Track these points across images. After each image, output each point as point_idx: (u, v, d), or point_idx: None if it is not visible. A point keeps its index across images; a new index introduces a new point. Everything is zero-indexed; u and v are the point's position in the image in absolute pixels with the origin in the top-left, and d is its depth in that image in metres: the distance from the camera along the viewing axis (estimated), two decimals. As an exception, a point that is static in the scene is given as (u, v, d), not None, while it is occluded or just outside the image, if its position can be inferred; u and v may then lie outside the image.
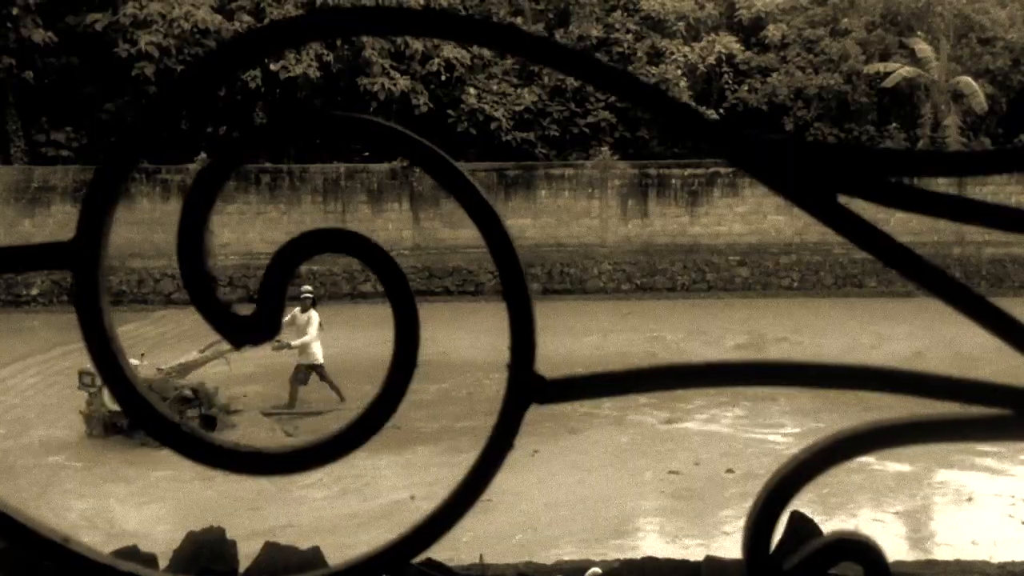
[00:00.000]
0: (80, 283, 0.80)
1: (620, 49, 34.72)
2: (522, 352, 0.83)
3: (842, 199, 0.85)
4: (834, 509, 11.41)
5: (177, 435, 0.81)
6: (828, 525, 10.05)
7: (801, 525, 6.05)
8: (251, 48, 0.83)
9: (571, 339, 22.41)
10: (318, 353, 16.36)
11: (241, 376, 16.48)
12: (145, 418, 0.81)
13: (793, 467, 0.88)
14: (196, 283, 0.80)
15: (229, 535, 5.66)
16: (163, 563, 6.15)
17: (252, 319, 0.81)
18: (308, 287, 17.38)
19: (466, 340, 20.50)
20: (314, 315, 16.49)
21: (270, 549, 6.02)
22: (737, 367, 0.86)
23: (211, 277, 0.81)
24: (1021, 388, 0.82)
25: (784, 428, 14.75)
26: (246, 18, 30.86)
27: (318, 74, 30.62)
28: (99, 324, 0.80)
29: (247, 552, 5.68)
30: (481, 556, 7.19)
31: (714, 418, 15.50)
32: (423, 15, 0.82)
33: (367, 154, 30.95)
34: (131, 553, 5.75)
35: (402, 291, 0.82)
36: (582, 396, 0.85)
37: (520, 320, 0.82)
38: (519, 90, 33.24)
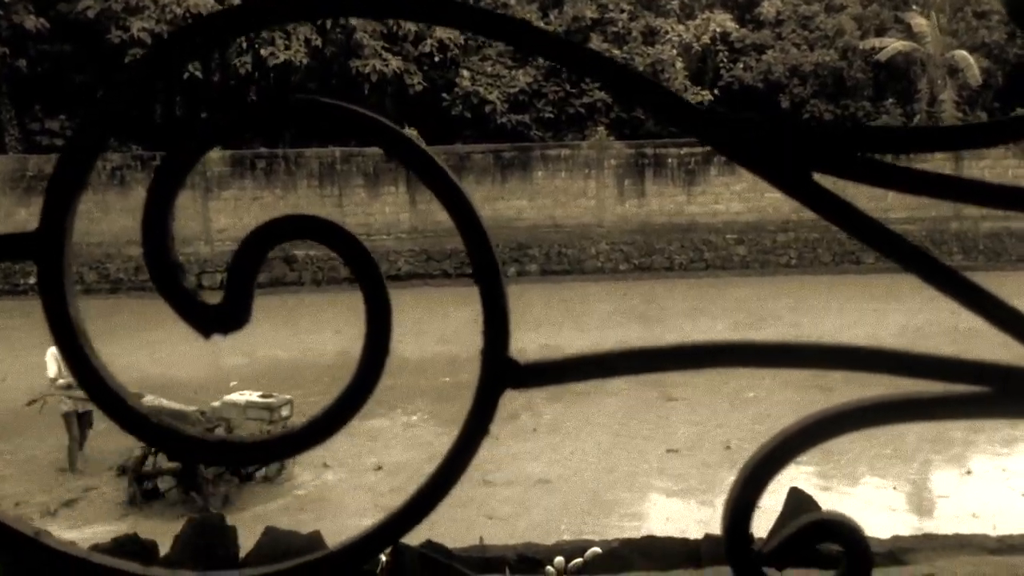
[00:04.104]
0: (45, 273, 0.79)
1: (615, 29, 34.60)
2: (495, 337, 0.82)
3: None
4: (834, 483, 11.44)
5: (146, 426, 0.80)
6: (826, 497, 10.08)
7: (799, 503, 6.06)
8: (223, 26, 0.81)
9: (570, 321, 22.44)
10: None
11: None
12: (114, 409, 0.80)
13: (772, 448, 0.88)
14: (161, 272, 0.79)
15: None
16: (164, 550, 6.16)
17: (219, 308, 0.80)
18: None
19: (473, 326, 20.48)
20: None
21: (270, 533, 6.03)
22: (713, 348, 0.85)
23: (177, 265, 0.80)
24: (1001, 366, 0.81)
25: (777, 399, 14.70)
26: (238, 1, 30.74)
27: (306, 60, 30.50)
28: (65, 314, 0.79)
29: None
30: (481, 538, 7.21)
31: (706, 393, 15.48)
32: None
33: (362, 138, 30.85)
34: (131, 540, 5.77)
35: (373, 277, 0.81)
36: (556, 380, 0.84)
37: (493, 305, 0.81)
38: (513, 72, 33.13)
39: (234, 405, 12.30)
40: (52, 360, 12.61)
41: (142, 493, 11.58)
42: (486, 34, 0.84)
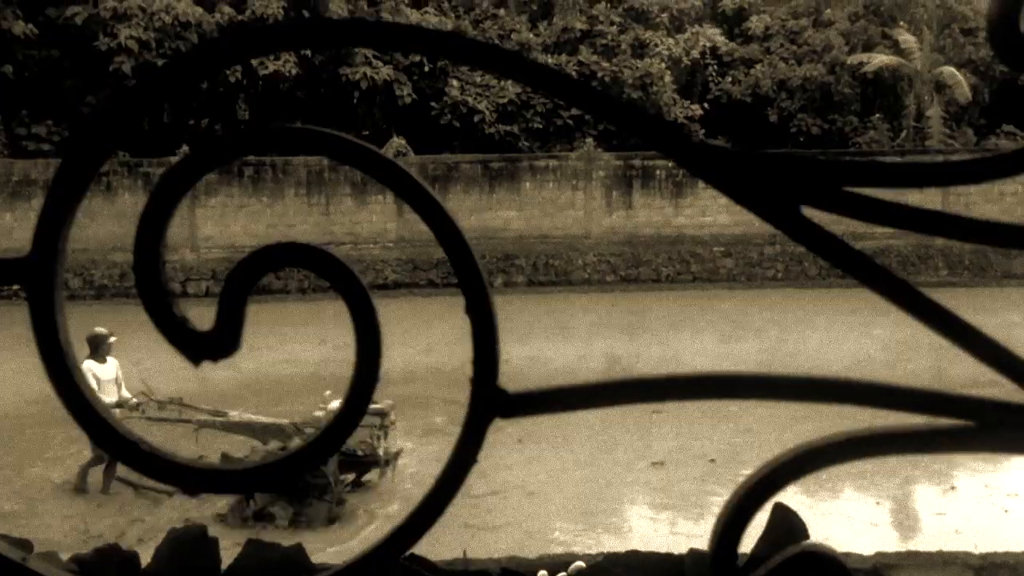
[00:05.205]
0: (36, 300, 0.79)
1: (604, 42, 34.70)
2: (485, 366, 0.82)
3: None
4: (817, 499, 11.44)
5: (135, 452, 0.80)
6: (810, 511, 10.09)
7: (783, 519, 6.09)
8: (225, 53, 0.82)
9: (556, 332, 22.43)
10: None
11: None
12: (104, 436, 0.80)
13: (760, 478, 0.88)
14: (153, 299, 0.79)
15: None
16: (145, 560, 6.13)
17: (209, 336, 0.80)
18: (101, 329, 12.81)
19: (460, 335, 20.42)
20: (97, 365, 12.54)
21: (252, 546, 5.99)
22: (701, 380, 0.86)
23: (168, 292, 0.80)
24: (985, 401, 0.82)
25: (760, 413, 14.68)
26: (227, 10, 30.68)
27: (295, 69, 30.47)
28: (55, 340, 0.79)
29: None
30: (464, 551, 7.21)
31: (689, 406, 15.46)
32: (380, 28, 0.81)
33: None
34: (111, 551, 5.71)
35: (364, 306, 0.81)
36: (546, 410, 0.84)
37: (483, 336, 0.81)
38: (503, 82, 33.17)
39: None
40: (89, 376, 11.93)
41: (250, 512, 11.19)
42: (458, 60, 0.85)
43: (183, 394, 14.48)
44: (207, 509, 11.36)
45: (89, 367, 12.15)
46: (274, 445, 11.41)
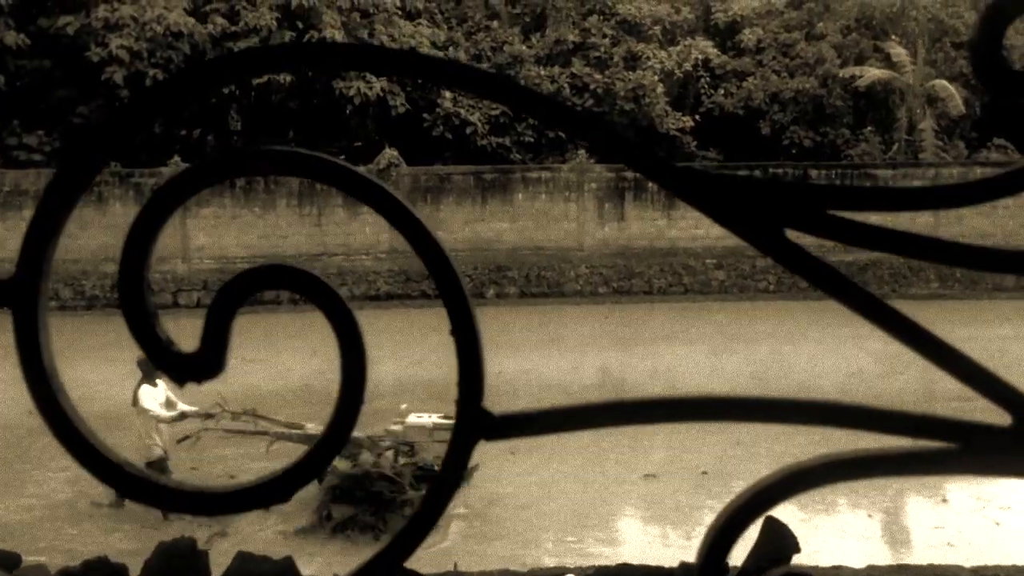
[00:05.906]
0: (21, 322, 0.79)
1: (597, 54, 34.77)
2: (471, 388, 0.82)
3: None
4: (810, 511, 11.45)
5: (120, 475, 0.80)
6: (802, 525, 10.08)
7: (775, 533, 6.08)
8: (221, 73, 0.82)
9: (549, 344, 22.42)
10: (157, 441, 12.41)
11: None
12: (87, 457, 0.80)
13: (746, 499, 0.88)
14: (137, 320, 0.79)
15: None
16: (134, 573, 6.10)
17: (194, 357, 0.80)
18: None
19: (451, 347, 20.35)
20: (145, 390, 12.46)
21: (242, 558, 5.97)
22: (686, 402, 0.86)
23: (152, 312, 0.80)
24: (966, 423, 0.82)
25: (751, 425, 14.64)
26: (219, 20, 30.67)
27: (288, 78, 30.44)
28: (39, 363, 0.79)
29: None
30: (455, 564, 7.19)
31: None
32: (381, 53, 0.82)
33: (343, 157, 30.81)
34: (100, 563, 5.68)
35: (350, 330, 0.81)
36: (531, 432, 0.84)
37: (468, 359, 0.81)
38: (495, 93, 33.17)
39: (421, 428, 11.90)
40: (150, 398, 12.13)
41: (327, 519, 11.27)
42: (455, 86, 0.85)
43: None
44: (280, 523, 11.30)
45: (149, 392, 12.24)
46: (342, 462, 11.01)
